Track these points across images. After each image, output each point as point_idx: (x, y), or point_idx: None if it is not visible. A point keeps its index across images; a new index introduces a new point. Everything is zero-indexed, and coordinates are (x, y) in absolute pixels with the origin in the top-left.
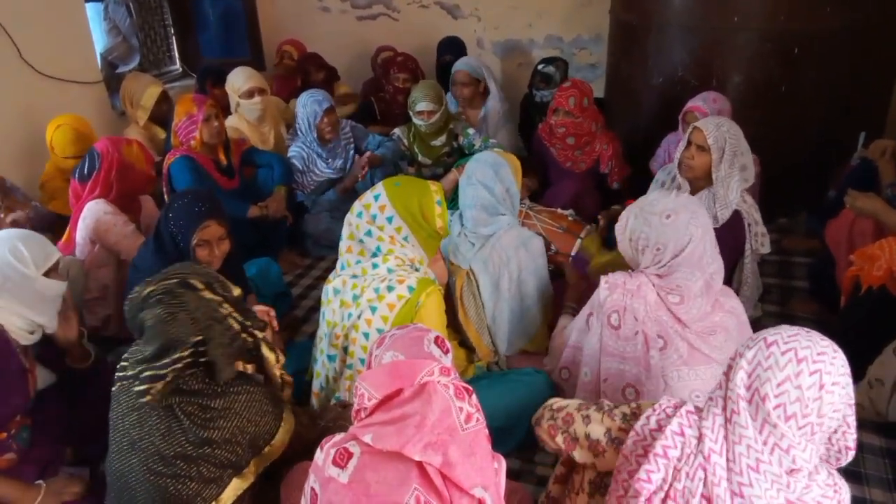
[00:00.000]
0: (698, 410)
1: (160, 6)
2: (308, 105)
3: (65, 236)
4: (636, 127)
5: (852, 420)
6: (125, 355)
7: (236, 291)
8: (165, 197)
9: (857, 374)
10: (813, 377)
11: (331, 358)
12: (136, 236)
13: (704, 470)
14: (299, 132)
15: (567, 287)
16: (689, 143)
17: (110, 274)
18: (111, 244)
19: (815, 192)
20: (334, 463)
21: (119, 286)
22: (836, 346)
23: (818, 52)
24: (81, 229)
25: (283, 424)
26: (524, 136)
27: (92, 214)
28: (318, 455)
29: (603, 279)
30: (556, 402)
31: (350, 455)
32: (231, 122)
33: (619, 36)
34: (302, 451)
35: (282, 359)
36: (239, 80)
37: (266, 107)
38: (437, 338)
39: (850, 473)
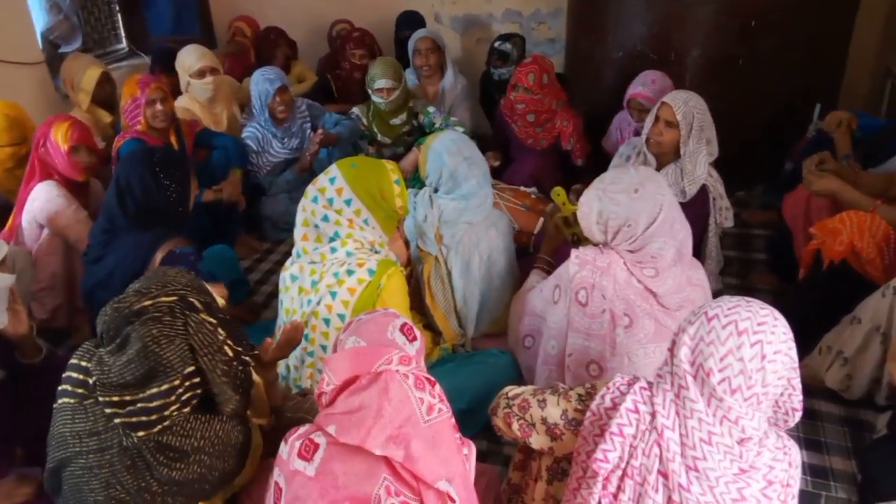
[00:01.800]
0: (651, 386)
1: None
2: (260, 83)
3: (8, 223)
4: (596, 102)
5: (797, 382)
6: (81, 364)
7: (221, 302)
8: None
9: (811, 345)
10: (754, 348)
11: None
12: (88, 222)
13: (659, 446)
14: (253, 111)
15: (544, 243)
16: (657, 118)
17: (59, 262)
18: (61, 227)
19: (771, 165)
20: (300, 456)
21: (68, 274)
22: (776, 314)
23: (774, 25)
24: (28, 212)
25: (252, 451)
26: (486, 114)
27: (41, 196)
28: (283, 448)
29: (574, 253)
30: (511, 389)
31: (316, 446)
32: (181, 102)
33: (578, 10)
34: (266, 447)
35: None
36: (190, 58)
37: (218, 87)
38: (403, 325)
39: (811, 442)
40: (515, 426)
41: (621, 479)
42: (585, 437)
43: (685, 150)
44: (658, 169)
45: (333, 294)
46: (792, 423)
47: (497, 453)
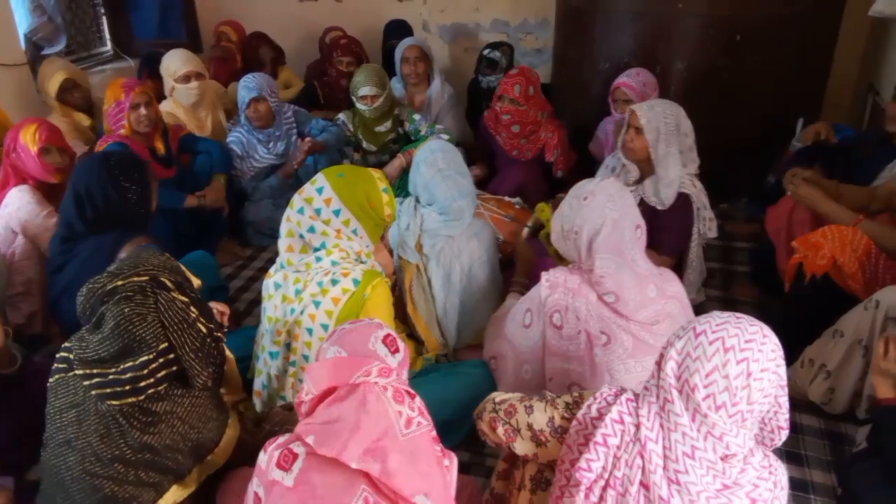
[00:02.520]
0: (637, 398)
1: None
2: (242, 90)
3: None
4: (583, 113)
5: (784, 401)
6: (67, 345)
7: (196, 282)
8: None
9: (793, 357)
10: (740, 366)
11: (273, 355)
12: None
13: (642, 457)
14: (240, 117)
15: (517, 265)
16: (628, 125)
17: (35, 267)
18: (31, 235)
19: (755, 177)
20: (278, 466)
21: (45, 280)
22: (766, 331)
23: (760, 39)
24: (2, 217)
25: (227, 432)
26: (471, 124)
27: (13, 203)
28: (262, 457)
29: (544, 276)
30: (498, 395)
31: (295, 456)
32: (165, 107)
33: (565, 21)
34: (246, 457)
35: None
36: (175, 63)
37: (203, 92)
38: (386, 336)
39: (791, 455)
40: (500, 430)
41: (604, 489)
42: (570, 446)
43: (655, 157)
44: (641, 179)
45: (317, 304)
46: (778, 442)
47: (479, 464)
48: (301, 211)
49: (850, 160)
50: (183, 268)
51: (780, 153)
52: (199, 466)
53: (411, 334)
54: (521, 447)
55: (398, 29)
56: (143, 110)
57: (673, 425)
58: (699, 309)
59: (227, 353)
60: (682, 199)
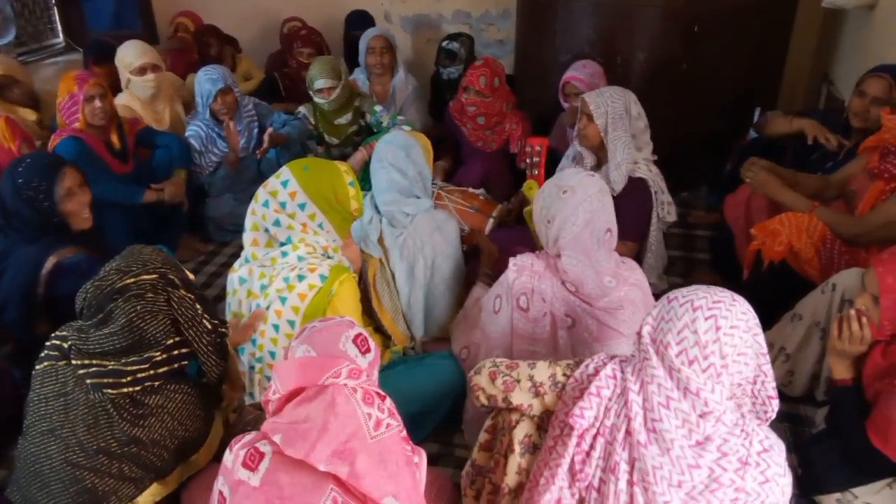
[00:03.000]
0: (622, 364)
1: None
2: (203, 83)
3: None
4: (545, 104)
5: (767, 369)
6: (61, 333)
7: (191, 276)
8: None
9: None
10: (708, 321)
11: (238, 351)
12: None
13: (627, 407)
14: (198, 110)
15: (482, 256)
16: (581, 113)
17: None
18: None
19: (714, 166)
20: (244, 465)
21: None
22: (736, 297)
23: (717, 30)
24: None
25: (212, 432)
26: (436, 115)
27: None
28: (227, 456)
29: (511, 261)
30: (497, 357)
31: (261, 456)
32: (122, 100)
33: (526, 12)
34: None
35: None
36: (130, 55)
37: (160, 84)
38: (357, 335)
39: None
40: (499, 381)
41: (594, 437)
42: (566, 401)
43: (607, 141)
44: (597, 167)
45: (283, 299)
46: (772, 413)
47: (448, 455)
48: (266, 204)
49: (807, 150)
50: (181, 266)
51: (737, 142)
52: (182, 466)
53: (377, 328)
54: (519, 397)
55: (360, 19)
56: (97, 102)
57: (650, 377)
58: (662, 295)
59: (231, 352)
60: (639, 184)
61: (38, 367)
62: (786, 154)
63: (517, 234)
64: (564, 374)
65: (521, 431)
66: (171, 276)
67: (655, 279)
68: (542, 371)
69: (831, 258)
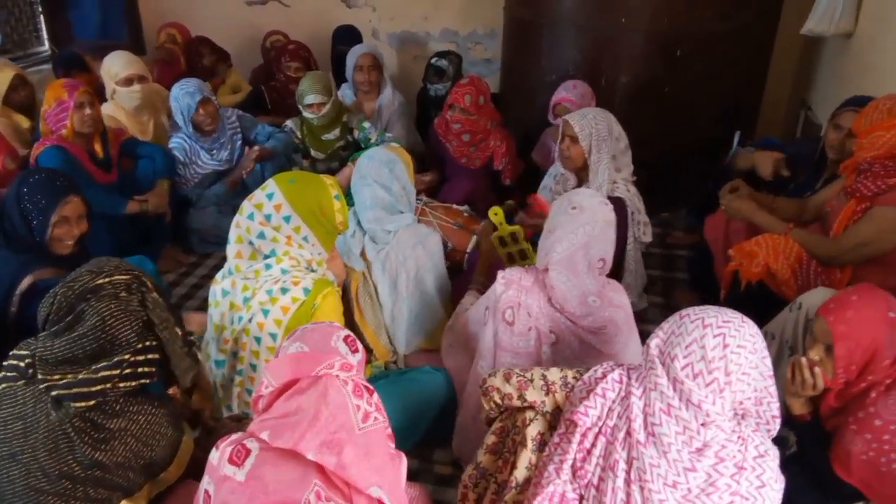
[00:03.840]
0: (629, 373)
1: None
2: (180, 98)
3: None
4: (530, 122)
5: (774, 391)
6: (19, 353)
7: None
8: None
9: None
10: (717, 339)
11: (218, 363)
12: None
13: (629, 409)
14: (178, 125)
15: (479, 262)
16: (563, 135)
17: None
18: None
19: (694, 188)
20: (230, 461)
21: None
22: (745, 320)
23: (699, 55)
24: None
25: (181, 448)
26: (421, 131)
27: None
28: (213, 454)
29: (500, 274)
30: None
31: (248, 452)
32: (107, 110)
33: (513, 32)
34: (195, 472)
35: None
36: (116, 65)
37: (146, 95)
38: (347, 336)
39: None
40: (514, 380)
41: (596, 436)
42: (573, 400)
43: (591, 163)
44: (579, 185)
45: (266, 312)
46: (774, 432)
47: (428, 472)
48: (251, 217)
49: (783, 182)
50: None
51: (718, 164)
52: (151, 483)
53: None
54: (532, 394)
55: (347, 35)
56: (87, 110)
57: (653, 384)
58: (642, 315)
59: (201, 358)
60: (616, 203)
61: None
62: (761, 183)
63: None
64: (574, 377)
65: (535, 429)
66: (144, 279)
67: (635, 298)
68: (555, 373)
69: (807, 279)
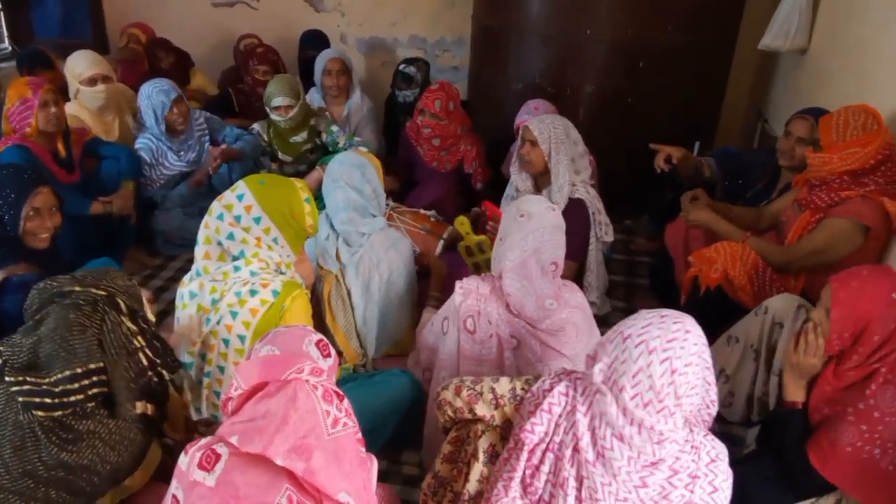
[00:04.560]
0: (575, 384)
1: None
2: (154, 96)
3: None
4: (497, 130)
5: (712, 379)
6: None
7: (151, 317)
8: None
9: None
10: (664, 365)
11: (187, 366)
12: None
13: (574, 426)
14: (144, 124)
15: (432, 279)
16: (523, 140)
17: None
18: None
19: (656, 196)
20: (200, 466)
21: None
22: (688, 325)
23: (660, 66)
24: None
25: (148, 457)
26: (389, 136)
27: None
28: (182, 459)
29: (458, 284)
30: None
31: (217, 457)
32: (70, 109)
33: (480, 40)
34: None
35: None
36: (81, 65)
37: (111, 95)
38: (319, 341)
39: None
40: (465, 394)
41: (544, 452)
42: (522, 414)
43: (551, 164)
44: (538, 190)
45: (234, 314)
46: (712, 416)
47: (396, 472)
48: (220, 217)
49: (739, 189)
50: (145, 301)
51: (678, 174)
52: (114, 490)
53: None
54: (481, 409)
55: (315, 39)
56: (52, 108)
57: (603, 411)
58: (605, 319)
59: (173, 391)
60: (577, 205)
61: None
62: (715, 191)
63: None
64: (523, 388)
65: (486, 441)
66: (119, 300)
67: (596, 298)
68: (504, 385)
69: (763, 285)
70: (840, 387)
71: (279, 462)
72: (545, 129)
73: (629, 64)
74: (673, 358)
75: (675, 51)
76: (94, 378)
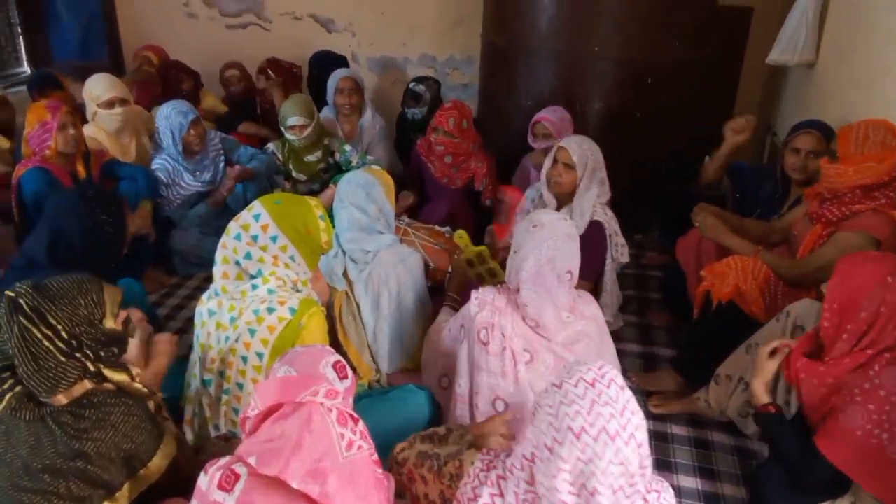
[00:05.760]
0: (506, 474)
1: (4, 3)
2: (172, 117)
3: None
4: (507, 147)
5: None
6: None
7: (109, 322)
8: (14, 211)
9: (705, 379)
10: (630, 445)
11: (205, 383)
12: None
13: None
14: (161, 145)
15: (452, 281)
16: (555, 160)
17: None
18: None
19: (665, 210)
20: (220, 487)
21: None
22: (619, 383)
23: (669, 82)
24: None
25: (162, 447)
26: (400, 154)
27: None
28: (202, 479)
29: (473, 294)
30: (401, 451)
31: (237, 477)
32: (88, 131)
33: (489, 58)
34: (179, 484)
35: (138, 372)
36: (98, 88)
37: (127, 117)
38: (337, 362)
39: (704, 470)
40: (408, 495)
41: None
42: None
43: (580, 189)
44: (557, 209)
45: (252, 332)
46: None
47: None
48: (238, 237)
49: (749, 204)
50: (98, 298)
51: (688, 188)
52: (131, 482)
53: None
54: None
55: (324, 59)
56: (70, 130)
57: None
58: (618, 334)
59: (117, 376)
60: (595, 227)
61: None
62: (727, 203)
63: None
64: (449, 489)
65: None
66: (21, 302)
67: (611, 317)
68: (433, 488)
69: (775, 299)
70: (838, 374)
71: (295, 485)
72: (583, 154)
73: (637, 80)
74: (634, 432)
75: (682, 66)
76: (5, 374)
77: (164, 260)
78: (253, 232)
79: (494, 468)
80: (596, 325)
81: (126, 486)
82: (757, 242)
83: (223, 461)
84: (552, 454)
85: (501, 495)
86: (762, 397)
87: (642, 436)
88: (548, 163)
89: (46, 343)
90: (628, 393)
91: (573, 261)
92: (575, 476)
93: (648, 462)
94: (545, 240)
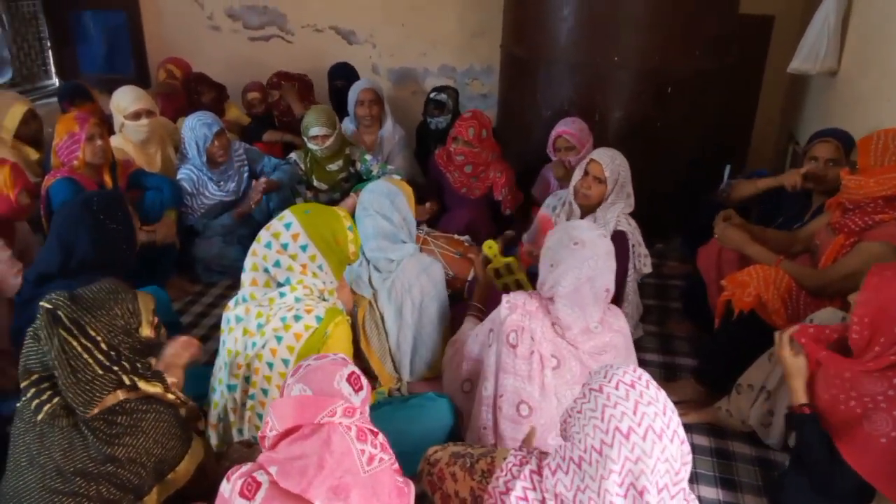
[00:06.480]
0: (540, 469)
1: (35, 17)
2: (197, 129)
3: None
4: (526, 156)
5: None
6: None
7: (145, 331)
8: (43, 221)
9: (726, 389)
10: (674, 442)
11: (231, 388)
12: (11, 262)
13: None
14: (187, 155)
15: (476, 291)
16: (585, 173)
17: None
18: None
19: (687, 219)
20: (241, 495)
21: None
22: (654, 383)
23: (689, 92)
24: None
25: (190, 452)
26: (420, 163)
27: None
28: (224, 486)
29: (504, 298)
30: (434, 452)
31: (258, 485)
32: (115, 142)
33: (509, 69)
34: (204, 490)
35: (173, 382)
36: (125, 100)
37: (153, 129)
38: (351, 374)
39: (725, 481)
40: (437, 496)
41: None
42: None
43: (608, 202)
44: (581, 218)
45: (279, 338)
46: None
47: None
48: (268, 245)
49: (772, 214)
50: (146, 321)
51: (709, 197)
52: (159, 486)
53: (365, 369)
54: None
55: (342, 71)
56: (98, 141)
57: None
58: (638, 343)
59: (150, 388)
60: (619, 237)
61: (23, 398)
62: (750, 215)
63: None
64: (480, 487)
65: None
66: (61, 314)
67: (632, 328)
68: (463, 485)
69: (797, 308)
70: (857, 371)
71: (318, 502)
72: (615, 169)
73: (657, 90)
74: (677, 429)
75: (703, 76)
76: (44, 385)
77: (188, 268)
78: (283, 240)
79: (527, 463)
80: (623, 339)
81: (154, 491)
82: (779, 252)
83: (245, 468)
84: (601, 456)
85: (534, 489)
86: (802, 396)
87: (683, 433)
88: (577, 174)
89: (86, 356)
90: (664, 392)
91: (611, 277)
92: (623, 476)
93: (689, 459)
94: (587, 259)
